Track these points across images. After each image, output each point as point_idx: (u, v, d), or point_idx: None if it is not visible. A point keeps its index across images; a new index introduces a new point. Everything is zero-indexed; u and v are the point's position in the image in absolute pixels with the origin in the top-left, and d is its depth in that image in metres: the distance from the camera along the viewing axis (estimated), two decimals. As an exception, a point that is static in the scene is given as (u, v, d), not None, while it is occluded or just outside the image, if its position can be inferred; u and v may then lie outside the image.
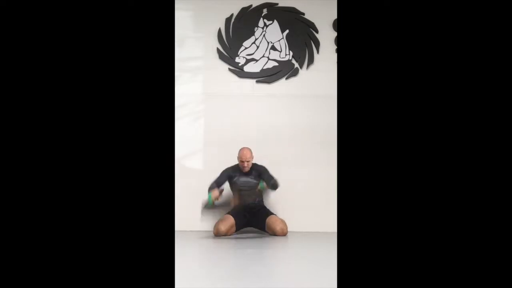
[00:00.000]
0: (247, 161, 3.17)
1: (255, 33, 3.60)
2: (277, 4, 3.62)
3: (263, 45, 3.60)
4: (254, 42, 3.60)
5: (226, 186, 3.16)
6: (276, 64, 3.58)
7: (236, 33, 3.58)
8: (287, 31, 3.60)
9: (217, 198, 2.96)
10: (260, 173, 3.18)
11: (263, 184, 3.04)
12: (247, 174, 3.20)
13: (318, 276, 1.50)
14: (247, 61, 3.57)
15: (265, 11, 3.61)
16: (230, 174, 3.19)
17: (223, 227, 2.95)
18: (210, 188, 3.02)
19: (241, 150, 3.22)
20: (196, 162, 3.50)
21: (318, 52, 3.59)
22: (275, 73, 3.57)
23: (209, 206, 2.92)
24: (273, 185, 3.02)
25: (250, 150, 3.21)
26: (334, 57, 3.54)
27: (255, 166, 3.22)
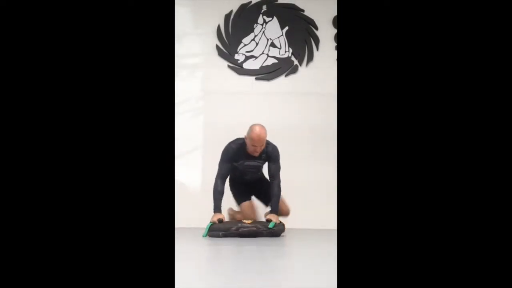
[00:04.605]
0: (261, 146, 2.63)
1: (255, 30, 3.59)
2: (276, 0, 3.61)
3: (263, 42, 3.59)
4: (253, 39, 3.59)
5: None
6: (276, 61, 3.57)
7: (235, 30, 3.57)
8: (286, 28, 3.59)
9: (222, 221, 2.63)
10: (269, 158, 2.70)
11: (273, 223, 2.62)
12: (255, 157, 2.71)
13: (318, 273, 1.50)
14: (247, 58, 3.57)
15: (264, 7, 3.60)
16: (233, 159, 2.70)
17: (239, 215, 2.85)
18: (215, 209, 2.65)
19: (254, 129, 2.59)
20: (196, 158, 3.50)
21: (317, 49, 3.58)
22: (275, 70, 3.56)
23: (206, 235, 2.60)
24: (277, 199, 2.71)
25: (265, 129, 2.64)
26: (334, 54, 3.53)
27: (266, 147, 2.69)
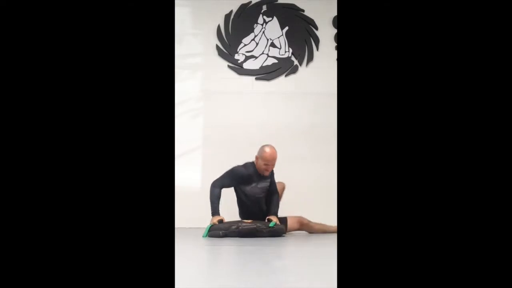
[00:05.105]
0: (273, 165, 2.75)
1: (255, 30, 3.60)
2: (276, 0, 3.61)
3: (263, 42, 3.59)
4: (253, 39, 3.60)
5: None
6: (276, 61, 3.57)
7: (235, 30, 3.58)
8: (286, 28, 3.59)
9: (222, 222, 2.65)
10: (271, 174, 2.82)
11: (274, 223, 2.66)
12: (265, 177, 2.80)
13: (318, 273, 1.50)
14: (247, 58, 3.57)
15: (264, 7, 3.61)
16: (244, 179, 2.76)
17: None
18: (213, 212, 2.68)
19: (266, 150, 2.73)
20: (196, 159, 3.50)
21: (317, 49, 3.59)
22: (275, 70, 3.57)
23: (206, 235, 2.61)
24: (277, 204, 2.79)
25: (275, 149, 2.75)
26: (333, 54, 3.54)
27: None
